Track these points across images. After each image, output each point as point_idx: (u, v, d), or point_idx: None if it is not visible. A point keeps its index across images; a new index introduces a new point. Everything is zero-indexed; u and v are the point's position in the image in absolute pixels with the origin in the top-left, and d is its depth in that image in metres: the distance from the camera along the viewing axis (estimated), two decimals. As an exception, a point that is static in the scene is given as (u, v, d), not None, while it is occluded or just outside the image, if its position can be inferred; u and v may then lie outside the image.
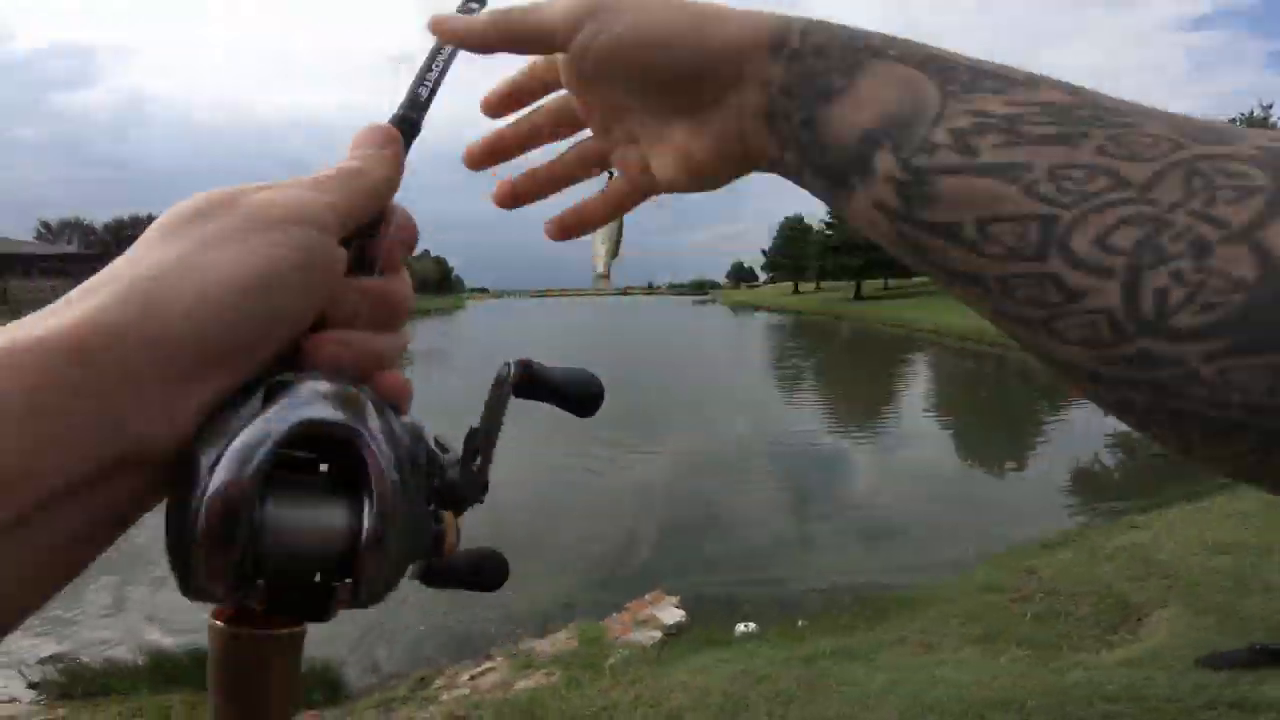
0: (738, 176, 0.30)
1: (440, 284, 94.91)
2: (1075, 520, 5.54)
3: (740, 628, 3.46)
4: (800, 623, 3.58)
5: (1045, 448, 9.20)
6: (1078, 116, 0.20)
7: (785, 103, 0.24)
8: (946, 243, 0.21)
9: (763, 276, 79.00)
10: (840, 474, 8.25)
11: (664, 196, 0.33)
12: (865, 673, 2.55)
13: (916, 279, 52.67)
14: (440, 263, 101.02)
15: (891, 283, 49.15)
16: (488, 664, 3.32)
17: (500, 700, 2.74)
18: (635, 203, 0.33)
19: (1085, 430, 9.50)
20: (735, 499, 7.03)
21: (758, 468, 8.50)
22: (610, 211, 0.33)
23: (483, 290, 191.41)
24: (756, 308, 52.98)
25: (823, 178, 0.25)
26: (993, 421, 11.66)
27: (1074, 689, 2.24)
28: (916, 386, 16.51)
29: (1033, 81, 0.21)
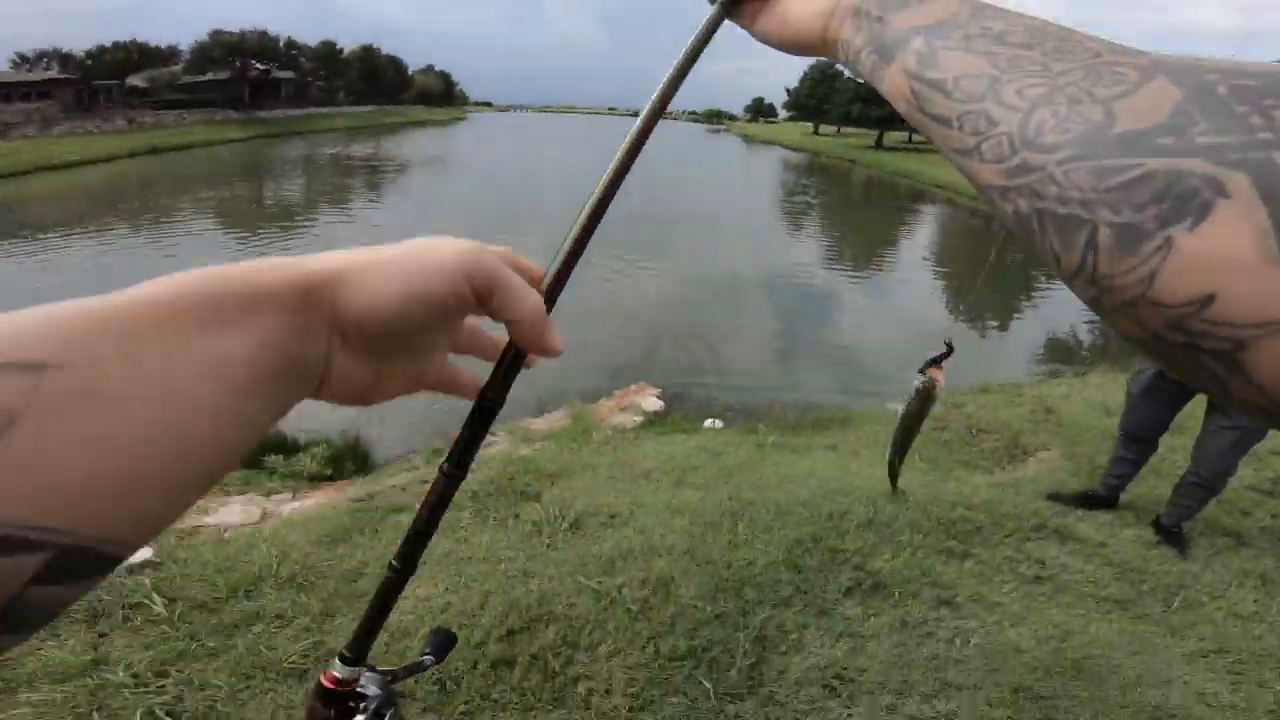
0: (807, 53, 0.43)
1: (444, 97, 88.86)
2: (1027, 373, 6.20)
3: (708, 422, 4.12)
4: (760, 427, 4.24)
5: (1029, 311, 9.81)
6: (1044, 34, 0.29)
7: (871, 6, 0.37)
8: (936, 94, 0.31)
9: (783, 114, 74.32)
10: (825, 307, 8.86)
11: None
12: (797, 461, 3.21)
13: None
14: (444, 76, 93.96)
15: (916, 137, 46.97)
16: (491, 438, 3.98)
17: (505, 458, 3.41)
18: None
19: (1065, 302, 10.16)
20: (725, 317, 7.65)
21: (751, 292, 9.08)
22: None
23: (487, 104, 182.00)
24: (770, 143, 50.66)
25: (876, 54, 0.35)
26: (986, 280, 12.16)
27: (946, 494, 2.83)
28: (920, 237, 16.72)
29: (1022, 18, 0.31)
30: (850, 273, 11.22)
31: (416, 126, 56.70)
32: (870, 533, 2.43)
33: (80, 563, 0.20)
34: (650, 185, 18.46)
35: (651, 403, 4.34)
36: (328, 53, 60.22)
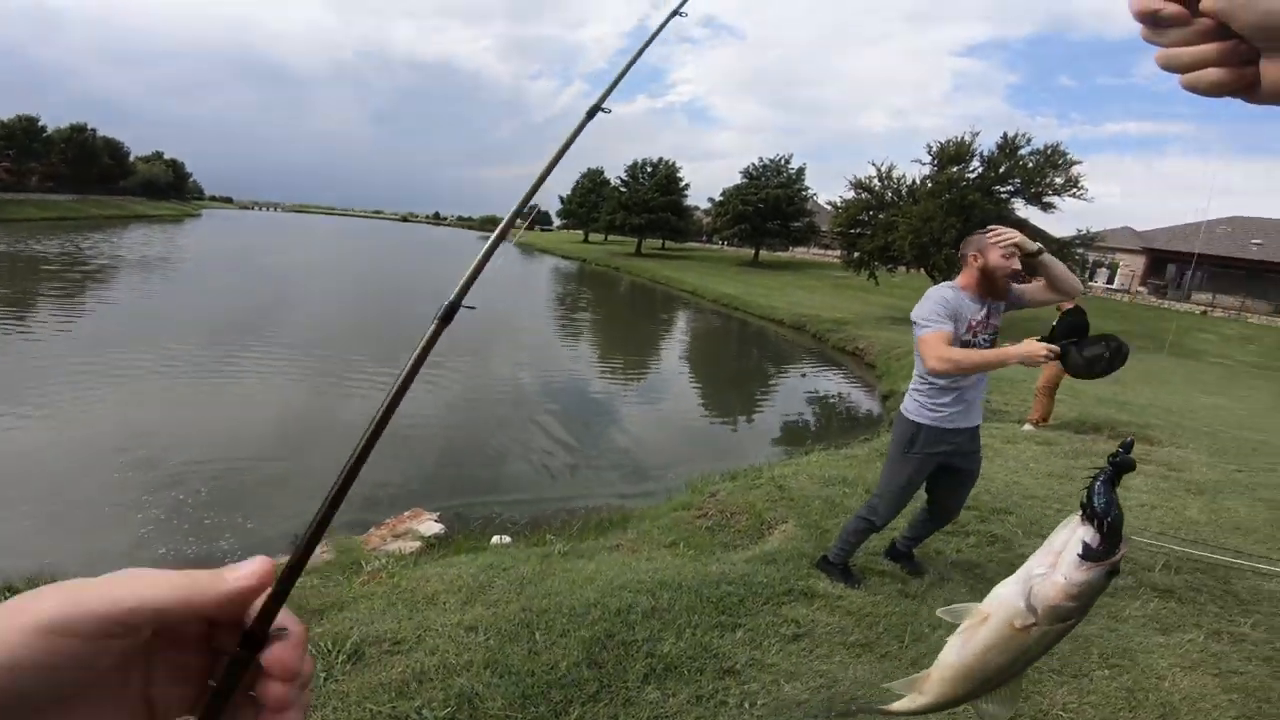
0: None
1: (174, 188, 78.89)
2: (765, 457, 7.20)
3: (496, 539, 4.12)
4: (549, 537, 4.35)
5: (765, 400, 11.42)
6: None
7: None
8: None
9: (557, 222, 79.50)
10: (603, 412, 9.35)
11: None
12: (585, 565, 3.40)
13: (689, 244, 57.44)
14: (174, 165, 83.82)
15: (668, 244, 53.60)
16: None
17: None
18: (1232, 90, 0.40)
19: (796, 390, 12.19)
20: (504, 431, 7.69)
21: (530, 403, 9.26)
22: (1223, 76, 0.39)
23: (227, 199, 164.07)
24: (546, 251, 53.47)
25: None
26: (729, 375, 14.04)
27: (710, 574, 3.18)
28: (674, 337, 18.72)
29: None
30: (622, 376, 12.14)
31: (138, 220, 49.26)
32: (654, 620, 2.66)
33: None
34: (413, 299, 18.29)
35: (429, 526, 4.23)
36: (25, 128, 50.03)
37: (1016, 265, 2.58)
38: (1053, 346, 2.30)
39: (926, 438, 2.79)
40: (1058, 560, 0.66)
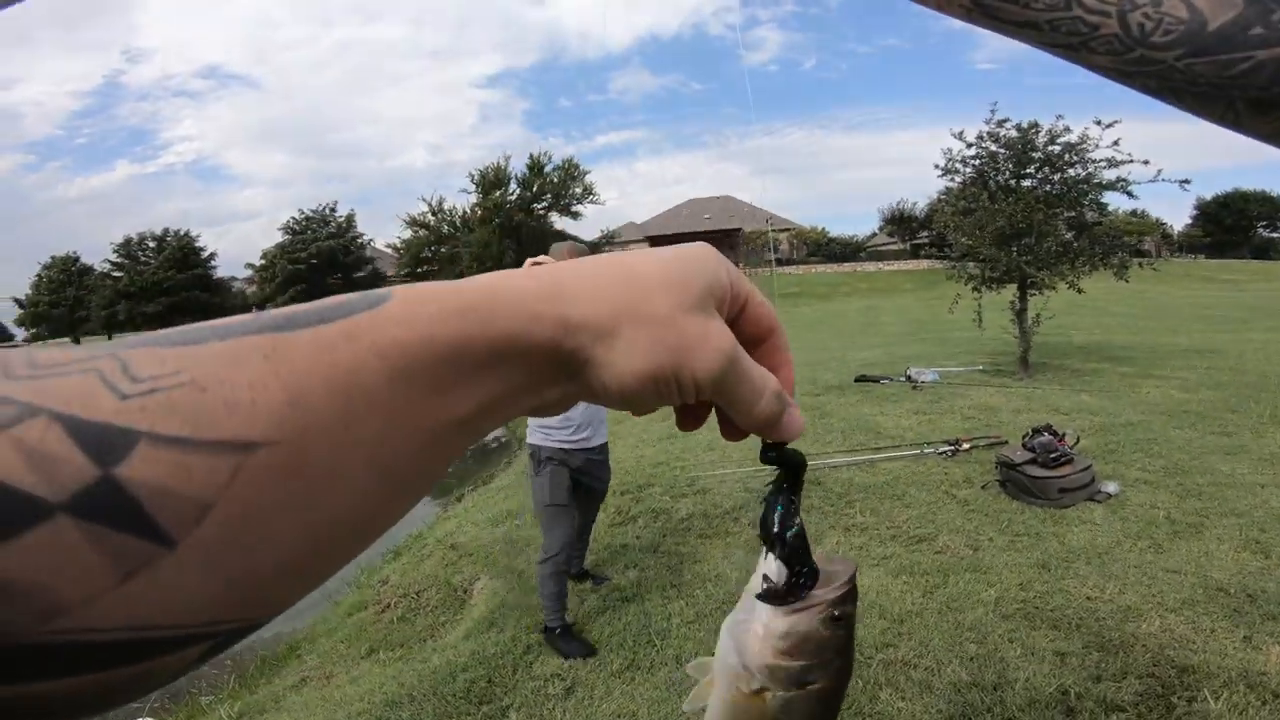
0: None
1: None
2: (417, 522, 6.72)
3: (129, 730, 2.89)
4: (205, 699, 3.35)
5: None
6: None
7: None
8: (1008, 4, 0.37)
9: (20, 334, 52.84)
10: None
11: None
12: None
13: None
14: None
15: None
16: None
17: None
18: None
19: None
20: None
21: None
22: None
23: None
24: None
25: None
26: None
27: (437, 669, 2.80)
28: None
29: None
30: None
31: None
32: None
33: (238, 639, 0.19)
34: None
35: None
36: None
37: None
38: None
39: (551, 457, 2.89)
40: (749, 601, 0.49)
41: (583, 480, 2.99)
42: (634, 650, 2.75)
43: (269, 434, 0.17)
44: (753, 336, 0.29)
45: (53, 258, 46.01)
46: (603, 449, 3.06)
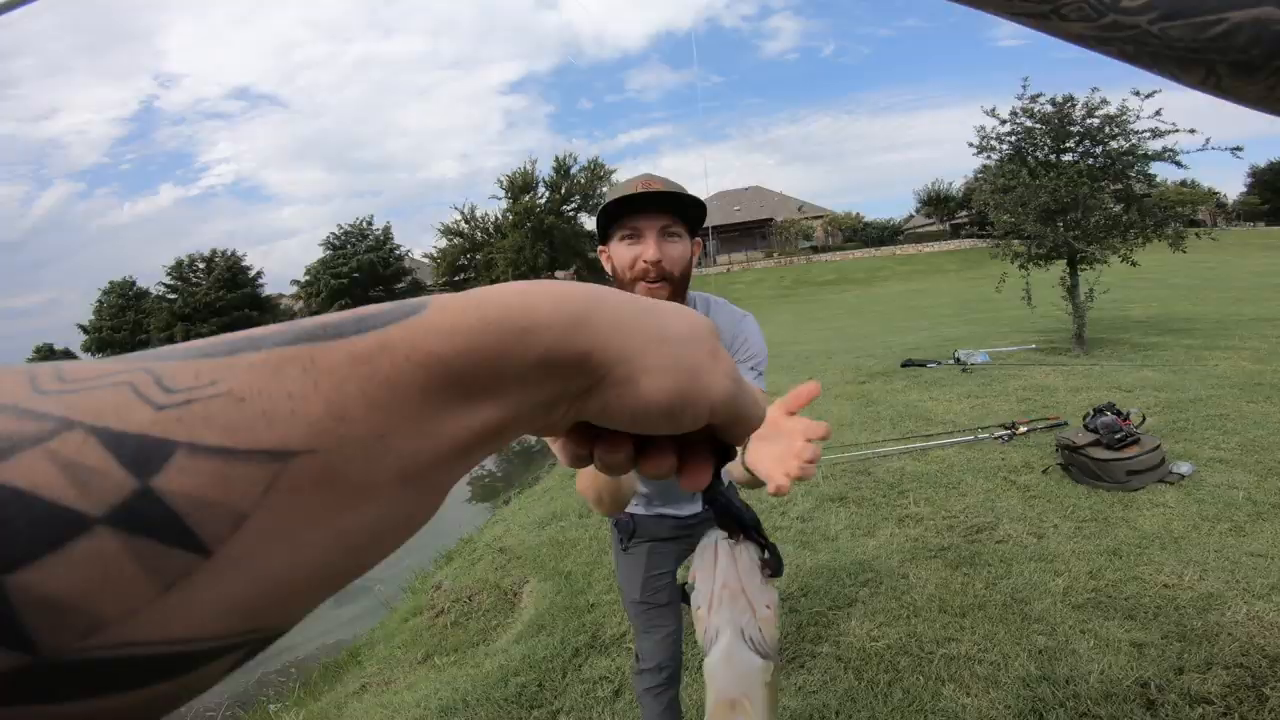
0: None
1: None
2: (466, 527, 6.84)
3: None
4: (273, 707, 3.43)
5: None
6: None
7: None
8: None
9: (84, 359, 57.52)
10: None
11: None
12: (338, 734, 2.74)
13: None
14: None
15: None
16: None
17: None
18: None
19: None
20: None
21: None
22: None
23: None
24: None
25: None
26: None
27: (490, 673, 2.84)
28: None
29: None
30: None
31: None
32: None
33: (264, 648, 0.18)
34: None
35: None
36: None
37: None
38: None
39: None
40: (748, 591, 0.51)
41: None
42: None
43: (308, 444, 0.17)
44: None
45: (110, 283, 47.89)
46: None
